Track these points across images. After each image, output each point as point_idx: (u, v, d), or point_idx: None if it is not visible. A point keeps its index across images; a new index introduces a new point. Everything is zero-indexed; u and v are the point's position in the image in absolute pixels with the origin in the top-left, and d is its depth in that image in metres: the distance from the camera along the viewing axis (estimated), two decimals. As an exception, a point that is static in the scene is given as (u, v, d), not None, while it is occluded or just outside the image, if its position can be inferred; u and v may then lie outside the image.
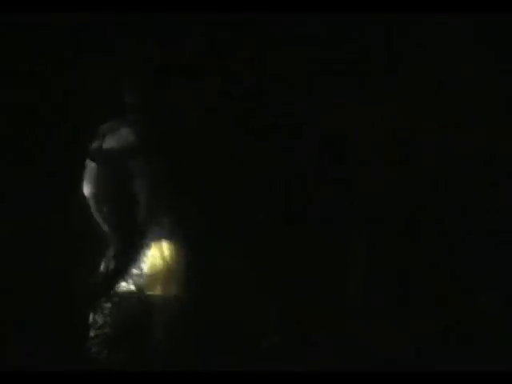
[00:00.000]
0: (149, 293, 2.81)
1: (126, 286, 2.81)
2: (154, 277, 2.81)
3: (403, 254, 2.97)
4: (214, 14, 2.92)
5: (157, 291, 2.81)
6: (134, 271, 2.82)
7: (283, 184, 2.96)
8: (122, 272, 2.83)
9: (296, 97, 3.01)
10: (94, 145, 2.91)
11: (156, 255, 2.83)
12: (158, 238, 2.86)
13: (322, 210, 2.96)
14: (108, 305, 2.79)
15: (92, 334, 2.78)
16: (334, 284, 2.93)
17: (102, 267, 2.87)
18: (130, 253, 2.85)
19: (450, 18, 3.01)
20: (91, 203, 2.88)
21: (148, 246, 2.84)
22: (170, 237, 2.85)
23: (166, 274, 2.81)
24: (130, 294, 2.79)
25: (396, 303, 2.93)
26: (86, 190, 2.88)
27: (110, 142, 2.91)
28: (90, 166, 2.90)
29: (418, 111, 3.02)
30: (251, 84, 3.01)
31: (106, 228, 2.88)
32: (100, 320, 2.78)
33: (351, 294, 2.95)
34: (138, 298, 2.79)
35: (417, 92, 3.05)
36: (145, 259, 2.84)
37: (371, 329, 2.88)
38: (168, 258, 2.81)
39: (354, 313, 2.94)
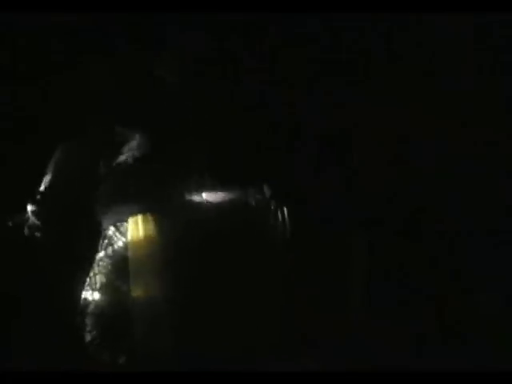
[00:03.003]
0: (149, 294, 2.81)
1: (125, 287, 2.82)
2: (154, 277, 2.81)
3: (403, 253, 2.98)
4: (214, 14, 2.92)
5: (157, 292, 2.81)
6: (135, 273, 2.82)
7: (283, 184, 2.96)
8: (120, 273, 2.84)
9: (296, 97, 3.02)
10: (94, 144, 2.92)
11: (157, 257, 2.83)
12: (161, 240, 2.86)
13: (322, 209, 2.96)
14: (108, 306, 2.80)
15: (92, 334, 2.78)
16: (334, 284, 2.93)
17: (99, 268, 2.87)
18: (131, 252, 2.85)
19: (450, 18, 3.01)
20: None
21: (152, 248, 2.84)
22: (171, 238, 2.85)
23: (166, 276, 2.80)
24: (130, 295, 2.79)
25: (396, 303, 2.93)
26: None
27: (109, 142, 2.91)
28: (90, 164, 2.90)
29: (417, 111, 3.03)
30: (251, 84, 3.01)
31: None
32: (100, 321, 2.78)
33: (351, 294, 2.95)
34: (139, 299, 2.80)
35: (417, 92, 3.05)
36: (148, 260, 2.84)
37: (371, 329, 2.88)
38: (169, 261, 2.81)
39: (354, 313, 2.94)
